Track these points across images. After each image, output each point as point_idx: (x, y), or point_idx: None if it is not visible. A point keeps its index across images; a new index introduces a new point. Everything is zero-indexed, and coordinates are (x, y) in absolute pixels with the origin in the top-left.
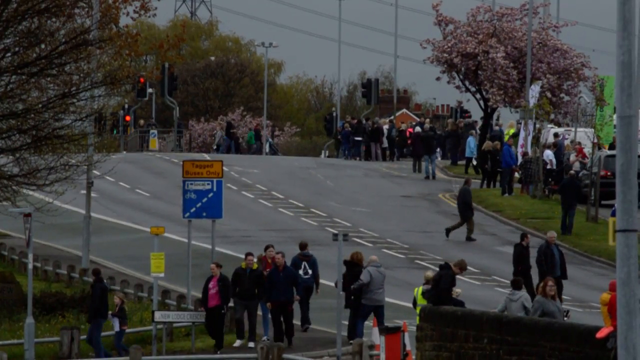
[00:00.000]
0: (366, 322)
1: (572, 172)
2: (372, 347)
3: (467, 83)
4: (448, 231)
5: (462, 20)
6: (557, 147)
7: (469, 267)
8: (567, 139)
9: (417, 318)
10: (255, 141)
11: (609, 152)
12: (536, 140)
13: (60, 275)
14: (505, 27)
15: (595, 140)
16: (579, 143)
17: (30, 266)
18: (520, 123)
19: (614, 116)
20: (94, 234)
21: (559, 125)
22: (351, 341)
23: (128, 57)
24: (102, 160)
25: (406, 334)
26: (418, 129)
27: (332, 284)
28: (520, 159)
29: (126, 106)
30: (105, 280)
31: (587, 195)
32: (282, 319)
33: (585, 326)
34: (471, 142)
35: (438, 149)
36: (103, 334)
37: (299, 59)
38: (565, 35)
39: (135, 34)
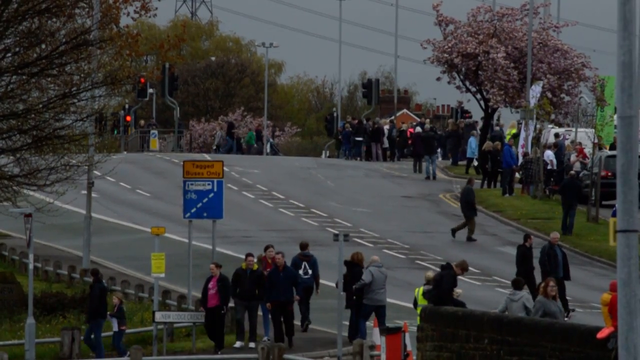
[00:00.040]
0: (367, 323)
1: (572, 172)
2: (372, 347)
3: (467, 83)
4: (454, 232)
5: (462, 20)
6: (558, 148)
7: (469, 268)
8: (567, 139)
9: (418, 318)
10: (257, 141)
11: (610, 153)
12: (537, 140)
13: (61, 276)
14: (505, 28)
15: (596, 141)
16: (580, 143)
17: (30, 266)
18: (521, 123)
19: (615, 116)
20: (95, 235)
21: (559, 125)
22: (352, 341)
23: (128, 58)
24: (102, 160)
25: (407, 335)
26: (419, 129)
27: (333, 285)
28: (520, 159)
29: (127, 106)
30: (104, 281)
31: (588, 196)
32: (282, 319)
33: (586, 326)
34: (472, 142)
35: (439, 149)
36: (102, 334)
37: (300, 59)
38: (566, 35)
39: (136, 34)
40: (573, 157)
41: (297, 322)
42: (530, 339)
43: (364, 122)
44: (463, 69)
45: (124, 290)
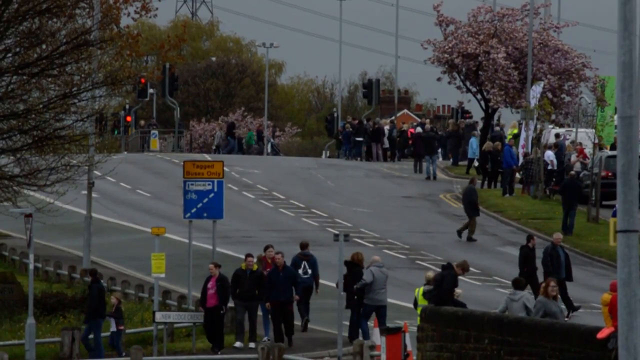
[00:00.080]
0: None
1: (573, 172)
2: (372, 347)
3: (468, 83)
4: (459, 232)
5: (463, 20)
6: (558, 148)
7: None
8: (568, 139)
9: (418, 318)
10: (257, 142)
11: (610, 153)
12: (537, 140)
13: (61, 276)
14: (506, 28)
15: (597, 141)
16: (580, 143)
17: (31, 267)
18: (522, 123)
19: (615, 117)
20: (95, 235)
21: (560, 125)
22: (352, 341)
23: (129, 58)
24: (103, 160)
25: (407, 335)
26: (419, 129)
27: (333, 285)
28: (521, 160)
29: (127, 107)
30: (105, 281)
31: (588, 196)
32: (281, 319)
33: (586, 327)
34: (474, 142)
35: (439, 150)
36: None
37: (300, 59)
38: (566, 35)
39: (136, 35)
40: (573, 158)
41: (297, 322)
42: (530, 339)
43: (365, 122)
44: (463, 69)
45: (124, 290)
